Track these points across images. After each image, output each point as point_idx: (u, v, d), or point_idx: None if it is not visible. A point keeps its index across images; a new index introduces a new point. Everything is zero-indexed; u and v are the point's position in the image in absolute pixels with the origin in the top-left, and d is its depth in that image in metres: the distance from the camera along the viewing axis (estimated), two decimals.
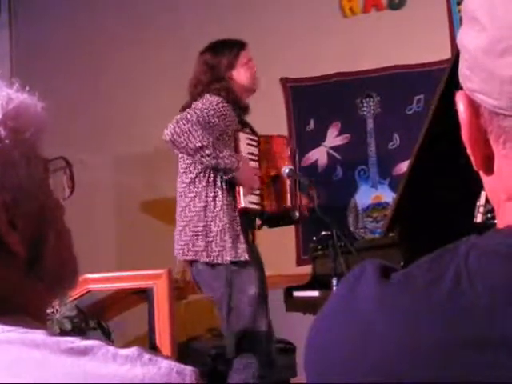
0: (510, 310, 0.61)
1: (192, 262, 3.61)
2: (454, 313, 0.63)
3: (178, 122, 3.46)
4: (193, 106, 3.56)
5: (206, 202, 3.56)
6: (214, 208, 3.56)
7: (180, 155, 3.62)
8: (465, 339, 0.62)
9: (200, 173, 3.59)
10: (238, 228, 3.60)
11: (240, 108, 3.70)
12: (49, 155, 0.92)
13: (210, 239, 3.54)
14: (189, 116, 3.47)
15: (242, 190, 3.62)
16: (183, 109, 3.70)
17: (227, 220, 3.55)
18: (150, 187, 5.25)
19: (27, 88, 0.90)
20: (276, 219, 3.87)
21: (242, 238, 3.58)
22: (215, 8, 5.30)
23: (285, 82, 5.30)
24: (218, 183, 3.58)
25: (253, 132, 3.82)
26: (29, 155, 0.87)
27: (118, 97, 5.30)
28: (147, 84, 5.20)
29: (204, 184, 3.58)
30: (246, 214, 3.65)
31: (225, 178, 3.55)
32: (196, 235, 3.56)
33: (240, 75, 3.72)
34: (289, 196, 3.73)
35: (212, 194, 3.57)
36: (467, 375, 0.61)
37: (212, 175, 3.58)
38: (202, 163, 3.52)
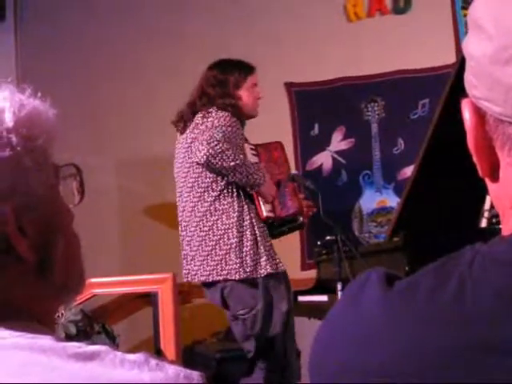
0: (511, 318, 0.61)
1: (218, 283, 3.57)
2: (458, 318, 0.63)
3: (209, 144, 3.43)
4: (208, 124, 3.52)
5: (235, 217, 3.54)
6: (244, 222, 3.54)
7: (196, 174, 3.61)
8: (468, 344, 0.62)
9: (223, 189, 3.56)
10: (269, 239, 3.61)
11: (242, 124, 3.71)
12: (54, 159, 0.93)
13: (244, 254, 3.50)
14: (216, 136, 3.45)
15: (261, 200, 3.63)
16: (182, 120, 3.68)
17: (258, 232, 3.55)
18: (153, 191, 5.25)
19: (39, 94, 0.90)
20: (282, 226, 3.85)
21: (273, 248, 3.60)
22: (219, 13, 5.31)
23: (289, 86, 5.30)
24: (242, 197, 3.58)
25: (246, 140, 3.83)
26: (40, 162, 0.88)
27: (121, 101, 5.30)
28: (151, 89, 5.21)
29: (229, 200, 3.56)
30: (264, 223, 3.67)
31: (251, 191, 3.56)
32: (228, 253, 3.52)
33: (244, 97, 3.72)
34: (296, 200, 3.73)
35: (239, 209, 3.55)
36: (470, 380, 0.61)
37: (235, 190, 3.56)
38: (234, 181, 3.52)
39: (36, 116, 0.89)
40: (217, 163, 3.44)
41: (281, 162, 3.85)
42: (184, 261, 3.67)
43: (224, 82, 3.69)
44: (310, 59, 5.21)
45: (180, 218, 3.73)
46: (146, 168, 5.32)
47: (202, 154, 3.44)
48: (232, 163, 3.45)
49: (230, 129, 3.51)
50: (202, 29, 5.19)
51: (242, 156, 3.50)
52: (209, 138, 3.45)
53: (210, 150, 3.42)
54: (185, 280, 3.68)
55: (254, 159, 3.75)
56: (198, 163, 3.52)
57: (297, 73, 5.25)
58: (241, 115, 3.67)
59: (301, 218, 3.79)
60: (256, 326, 3.52)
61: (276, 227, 3.83)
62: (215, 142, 3.43)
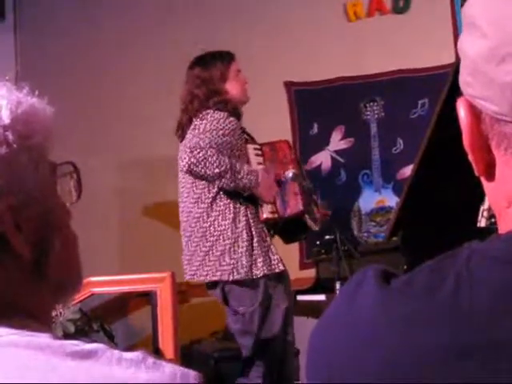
0: (509, 316, 0.61)
1: (219, 283, 3.56)
2: (455, 318, 0.63)
3: (192, 152, 3.41)
4: (201, 128, 3.49)
5: (231, 218, 3.51)
6: (239, 223, 3.51)
7: (194, 176, 3.55)
8: (465, 344, 0.62)
9: (220, 191, 3.54)
10: (268, 239, 3.58)
11: (239, 118, 3.69)
12: (52, 158, 0.93)
13: (239, 255, 3.48)
14: (201, 143, 3.43)
15: (261, 201, 3.61)
16: (181, 127, 3.66)
17: (255, 233, 3.53)
18: (152, 190, 5.25)
19: (36, 92, 0.90)
20: (291, 229, 3.83)
21: (273, 248, 3.57)
22: (218, 12, 5.31)
23: (289, 85, 5.30)
24: (240, 198, 3.55)
25: (252, 139, 3.81)
26: (37, 160, 0.88)
27: (121, 100, 5.30)
28: (150, 88, 5.21)
29: (226, 201, 3.53)
30: (266, 224, 3.65)
31: (245, 194, 3.55)
32: (223, 254, 3.50)
33: (233, 88, 3.69)
34: (300, 199, 3.70)
35: (235, 210, 3.52)
36: (467, 380, 0.61)
37: (232, 191, 3.53)
38: (222, 187, 3.50)
39: (33, 114, 0.89)
40: (200, 171, 3.42)
41: (286, 161, 3.83)
42: (184, 261, 3.68)
43: (209, 80, 3.65)
44: (309, 58, 5.21)
45: (180, 220, 3.73)
46: (145, 167, 5.32)
47: (184, 163, 3.42)
48: (216, 170, 3.42)
49: (221, 132, 3.48)
50: (202, 28, 5.19)
51: (227, 161, 3.46)
52: (193, 145, 3.43)
53: (192, 159, 3.40)
54: (186, 279, 3.69)
55: (259, 159, 3.73)
56: (182, 171, 3.52)
57: (296, 72, 5.25)
58: (234, 107, 3.64)
59: (315, 226, 3.75)
60: (254, 323, 3.52)
61: (291, 234, 3.82)
62: (198, 150, 3.41)
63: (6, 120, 0.85)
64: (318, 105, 5.26)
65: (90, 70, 5.34)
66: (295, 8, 5.26)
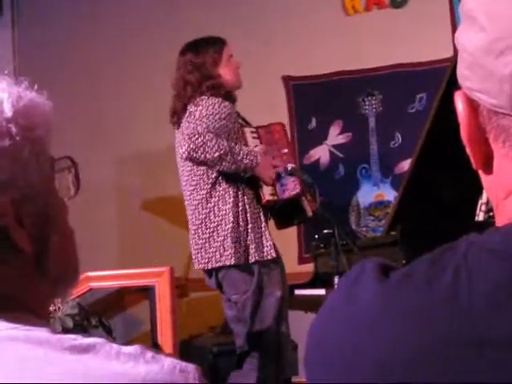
0: (507, 309, 0.61)
1: (218, 267, 3.57)
2: (454, 310, 0.63)
3: (190, 138, 3.42)
4: (196, 114, 3.50)
5: (231, 202, 3.52)
6: (237, 207, 3.53)
7: (192, 163, 3.57)
8: (463, 338, 0.62)
9: (219, 176, 3.55)
10: (263, 225, 3.58)
11: (233, 102, 3.69)
12: (51, 153, 0.93)
13: (235, 240, 3.50)
14: (199, 128, 3.44)
15: (262, 184, 3.61)
16: (175, 114, 3.66)
17: (250, 218, 3.53)
18: (151, 185, 5.25)
19: (35, 87, 0.91)
20: (288, 212, 3.82)
21: (267, 234, 3.57)
22: (216, 8, 5.30)
23: (287, 80, 5.29)
24: (238, 182, 3.56)
25: (247, 123, 3.82)
26: (38, 153, 0.88)
27: (119, 95, 5.30)
28: (148, 82, 5.20)
29: (225, 186, 3.54)
30: (264, 208, 3.65)
31: (245, 176, 3.55)
32: (225, 239, 3.51)
33: (226, 73, 3.68)
34: (298, 183, 3.70)
35: (234, 194, 3.53)
36: (467, 372, 0.61)
37: (231, 175, 3.54)
38: (223, 171, 3.51)
39: (34, 107, 0.89)
40: (199, 156, 3.43)
41: (282, 143, 3.84)
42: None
43: (201, 65, 3.65)
44: (308, 53, 5.20)
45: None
46: (143, 162, 5.32)
47: (184, 150, 3.43)
48: (216, 154, 3.43)
49: (217, 116, 3.49)
50: (199, 22, 5.18)
51: (226, 145, 3.47)
52: (190, 132, 3.44)
53: (191, 145, 3.41)
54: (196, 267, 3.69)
55: (255, 142, 3.74)
56: (182, 158, 3.52)
57: (294, 66, 5.24)
58: (227, 92, 3.64)
59: (309, 211, 3.75)
60: (246, 309, 3.52)
61: (284, 218, 3.82)
62: (196, 136, 3.42)
63: (9, 113, 0.85)
64: (316, 99, 5.26)
65: (89, 66, 5.33)
66: (293, 2, 5.25)
